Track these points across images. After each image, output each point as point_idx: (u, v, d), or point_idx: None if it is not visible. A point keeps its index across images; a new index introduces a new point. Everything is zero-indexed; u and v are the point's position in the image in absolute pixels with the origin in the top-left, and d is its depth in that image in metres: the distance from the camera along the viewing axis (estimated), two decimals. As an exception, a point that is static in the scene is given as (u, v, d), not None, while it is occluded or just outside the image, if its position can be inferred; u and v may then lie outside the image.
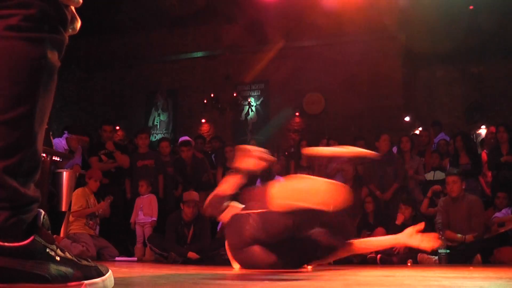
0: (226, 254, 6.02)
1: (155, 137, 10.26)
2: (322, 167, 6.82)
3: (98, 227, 5.92)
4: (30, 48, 1.00)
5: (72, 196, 5.69)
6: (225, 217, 3.14)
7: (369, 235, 5.70)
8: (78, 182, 6.16)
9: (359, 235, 5.75)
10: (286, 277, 2.24)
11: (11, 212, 0.98)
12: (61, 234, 5.73)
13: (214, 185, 6.94)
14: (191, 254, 5.24)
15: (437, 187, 6.11)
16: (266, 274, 2.55)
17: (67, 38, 1.10)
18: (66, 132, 7.12)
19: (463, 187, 5.35)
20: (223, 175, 6.93)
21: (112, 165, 6.50)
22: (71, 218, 5.63)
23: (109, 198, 5.95)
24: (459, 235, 5.18)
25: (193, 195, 5.59)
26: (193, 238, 5.53)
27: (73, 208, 5.63)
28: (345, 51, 9.54)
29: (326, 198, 2.52)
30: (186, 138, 6.95)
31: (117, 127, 9.43)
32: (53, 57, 1.05)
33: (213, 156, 7.92)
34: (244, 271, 2.80)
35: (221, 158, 7.28)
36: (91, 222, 5.72)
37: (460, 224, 5.25)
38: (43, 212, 1.06)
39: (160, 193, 6.55)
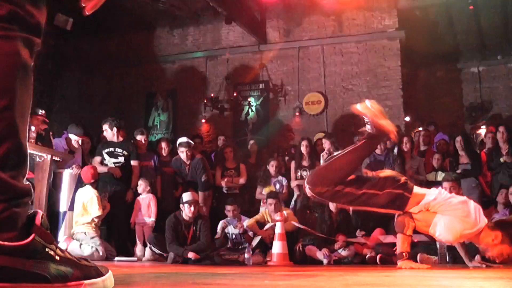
0: (226, 254, 6.03)
1: (155, 137, 10.26)
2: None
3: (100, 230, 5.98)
4: (3, 45, 1.04)
5: (96, 200, 5.66)
6: None
7: (364, 236, 5.69)
8: (78, 182, 6.16)
9: (354, 235, 5.74)
10: (286, 277, 2.25)
11: (3, 205, 0.99)
12: (62, 234, 5.73)
13: (213, 185, 6.95)
14: (191, 254, 5.24)
15: None
16: (265, 273, 2.55)
17: (37, 40, 1.12)
18: (66, 132, 7.12)
19: (461, 192, 5.33)
20: (222, 175, 6.93)
21: (121, 160, 6.44)
22: (84, 220, 5.59)
23: (105, 195, 5.97)
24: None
25: (193, 195, 5.59)
26: (193, 239, 5.51)
27: (101, 211, 5.65)
28: (345, 51, 9.55)
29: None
30: (185, 139, 6.93)
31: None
32: (25, 54, 1.09)
33: (212, 155, 7.91)
34: (244, 270, 2.80)
35: (220, 158, 7.26)
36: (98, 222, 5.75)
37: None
38: (41, 212, 1.07)
39: (158, 193, 6.55)
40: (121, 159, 6.46)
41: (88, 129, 7.79)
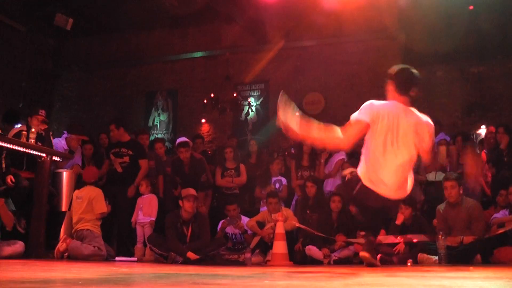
0: (226, 254, 6.03)
1: (155, 137, 10.27)
2: (322, 167, 6.82)
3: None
4: None
5: (99, 198, 5.66)
6: None
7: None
8: (78, 182, 6.16)
9: (354, 235, 5.73)
10: (286, 277, 2.25)
11: None
12: (61, 234, 5.72)
13: (213, 185, 6.94)
14: (190, 254, 5.23)
15: None
16: (265, 273, 2.55)
17: None
18: (65, 132, 7.11)
19: (461, 192, 5.32)
20: (222, 175, 6.92)
21: (126, 159, 6.42)
22: (89, 217, 5.59)
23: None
24: (457, 237, 5.16)
25: (191, 190, 5.58)
26: (192, 237, 5.51)
27: (105, 209, 5.65)
28: (345, 51, 9.54)
29: None
30: (184, 139, 6.92)
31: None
32: None
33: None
34: (245, 271, 2.80)
35: (220, 158, 7.26)
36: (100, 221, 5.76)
37: (460, 229, 5.23)
38: None
39: (160, 193, 6.55)
40: (126, 158, 6.45)
41: (88, 130, 7.78)
